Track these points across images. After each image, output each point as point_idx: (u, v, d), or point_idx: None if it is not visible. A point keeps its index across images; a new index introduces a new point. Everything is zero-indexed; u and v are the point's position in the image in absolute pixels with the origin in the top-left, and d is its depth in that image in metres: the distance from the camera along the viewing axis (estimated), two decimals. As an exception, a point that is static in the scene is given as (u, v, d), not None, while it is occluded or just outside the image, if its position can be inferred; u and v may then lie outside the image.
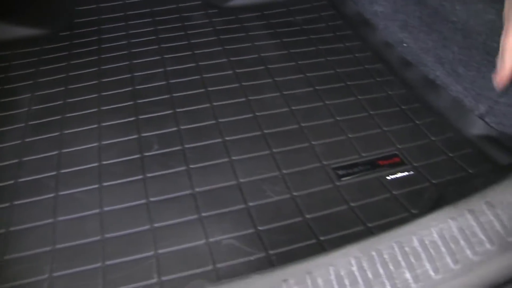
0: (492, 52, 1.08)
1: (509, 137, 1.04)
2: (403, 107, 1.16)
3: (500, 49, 0.82)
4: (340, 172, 0.97)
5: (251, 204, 0.89)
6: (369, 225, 0.86)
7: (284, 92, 1.18)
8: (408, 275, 0.51)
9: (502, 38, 0.81)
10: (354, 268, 0.52)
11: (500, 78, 0.83)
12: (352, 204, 0.90)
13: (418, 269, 0.52)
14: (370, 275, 0.52)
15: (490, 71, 1.08)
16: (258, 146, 1.02)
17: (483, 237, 0.53)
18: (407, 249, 0.51)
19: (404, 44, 1.27)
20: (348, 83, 1.22)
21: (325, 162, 0.99)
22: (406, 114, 1.14)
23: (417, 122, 1.11)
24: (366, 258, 0.53)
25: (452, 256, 0.51)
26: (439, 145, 1.05)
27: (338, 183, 0.95)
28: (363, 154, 1.02)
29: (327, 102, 1.16)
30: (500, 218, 0.55)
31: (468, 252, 0.52)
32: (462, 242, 0.52)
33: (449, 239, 0.52)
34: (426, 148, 1.04)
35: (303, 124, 1.09)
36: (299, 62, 1.29)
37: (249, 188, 0.92)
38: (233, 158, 0.99)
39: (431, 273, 0.51)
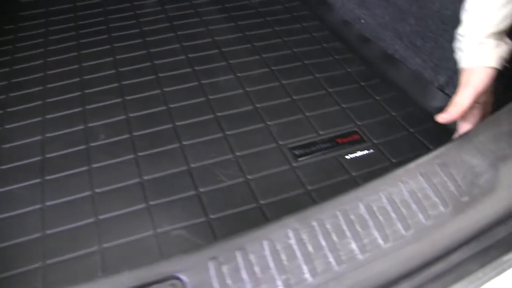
0: (447, 20, 1.05)
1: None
2: (362, 83, 1.12)
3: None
4: (297, 152, 0.93)
5: (202, 190, 0.84)
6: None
7: (239, 74, 1.13)
8: (354, 246, 0.47)
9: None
10: (292, 241, 0.47)
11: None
12: (309, 188, 0.85)
13: (365, 238, 0.47)
14: (310, 248, 0.47)
15: (447, 40, 1.05)
16: (210, 130, 0.97)
17: (436, 199, 0.49)
18: (352, 217, 0.47)
19: (362, 21, 1.24)
20: (306, 62, 1.18)
21: (281, 142, 0.95)
22: (365, 90, 1.10)
23: (376, 98, 1.08)
24: (306, 230, 0.48)
25: (403, 222, 0.47)
26: (399, 120, 1.01)
27: (295, 164, 0.90)
28: (321, 133, 0.97)
29: (283, 82, 1.11)
30: (454, 178, 0.51)
31: (421, 216, 0.48)
32: (413, 206, 0.48)
33: (400, 204, 0.48)
34: (386, 124, 1.01)
35: (258, 105, 1.04)
36: (255, 44, 1.24)
37: (200, 173, 0.87)
38: (184, 143, 0.94)
39: (380, 241, 0.47)
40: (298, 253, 0.46)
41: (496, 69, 0.76)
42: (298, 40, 1.26)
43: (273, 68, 1.16)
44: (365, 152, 0.93)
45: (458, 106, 0.77)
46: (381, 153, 0.93)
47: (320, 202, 0.51)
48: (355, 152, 0.93)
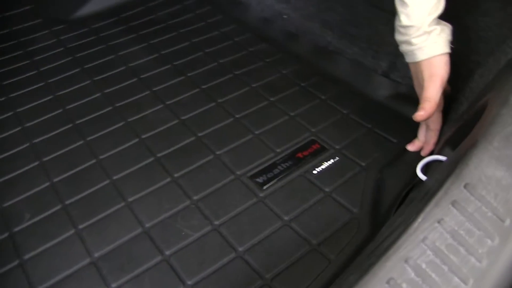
0: (378, 3, 0.99)
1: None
2: (302, 84, 1.03)
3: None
4: (260, 180, 0.82)
5: (168, 252, 0.71)
6: (314, 242, 0.72)
7: (168, 102, 1.00)
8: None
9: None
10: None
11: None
12: (286, 218, 0.75)
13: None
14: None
15: (382, 23, 0.99)
16: (155, 176, 0.83)
17: (480, 232, 0.41)
18: (404, 285, 0.37)
19: (284, 16, 1.15)
20: (236, 72, 1.07)
21: (238, 172, 0.84)
22: (308, 91, 1.01)
23: (322, 97, 1.00)
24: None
25: (459, 274, 0.38)
26: (353, 117, 0.94)
27: (261, 194, 0.80)
28: (278, 150, 0.88)
29: (219, 100, 1.00)
30: (487, 200, 0.43)
31: (473, 259, 0.39)
32: (461, 250, 0.40)
33: (447, 251, 0.39)
34: (341, 125, 0.93)
35: (199, 134, 0.92)
36: (175, 63, 1.11)
37: (160, 233, 0.74)
38: (129, 199, 0.79)
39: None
40: None
41: (449, 53, 0.73)
42: (221, 49, 1.15)
43: (203, 87, 1.04)
44: (331, 161, 0.85)
45: (432, 101, 0.72)
46: (347, 159, 0.85)
47: (360, 273, 0.41)
48: (321, 164, 0.85)
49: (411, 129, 0.89)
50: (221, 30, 1.21)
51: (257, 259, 0.70)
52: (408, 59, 0.77)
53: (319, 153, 0.87)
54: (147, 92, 1.03)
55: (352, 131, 0.91)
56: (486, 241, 0.41)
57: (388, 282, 0.37)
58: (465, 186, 0.44)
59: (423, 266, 0.38)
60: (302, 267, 0.69)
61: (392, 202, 0.76)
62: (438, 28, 0.72)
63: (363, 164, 0.84)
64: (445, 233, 0.41)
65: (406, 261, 0.38)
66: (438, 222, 0.41)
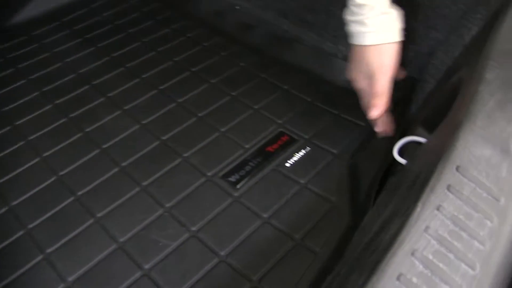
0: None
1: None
2: (262, 75, 1.01)
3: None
4: (232, 179, 0.80)
5: (147, 266, 0.67)
6: (297, 236, 0.70)
7: (125, 108, 0.95)
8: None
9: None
10: None
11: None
12: (265, 215, 0.73)
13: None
14: None
15: (339, 9, 0.98)
16: (123, 187, 0.79)
17: (478, 214, 0.40)
18: (415, 280, 0.36)
19: (237, 7, 1.12)
20: (193, 69, 1.04)
21: (209, 174, 0.81)
22: (269, 82, 0.99)
23: (284, 87, 0.98)
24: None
25: (465, 260, 0.37)
26: (318, 104, 0.93)
27: (236, 194, 0.77)
28: (247, 146, 0.85)
29: (179, 100, 0.96)
30: (480, 181, 0.42)
31: (476, 243, 0.39)
32: (464, 235, 0.39)
33: (451, 238, 0.38)
34: (308, 114, 0.91)
35: (163, 137, 0.88)
36: (128, 66, 1.06)
37: (136, 247, 0.70)
38: (98, 215, 0.75)
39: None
40: None
41: (400, 42, 0.71)
42: (175, 47, 1.10)
43: (160, 87, 0.99)
44: (302, 152, 0.84)
45: (384, 96, 0.70)
46: (318, 148, 0.84)
47: (361, 270, 0.39)
48: (293, 156, 0.83)
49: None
50: (172, 26, 1.17)
51: (241, 261, 0.68)
52: (356, 41, 0.72)
53: (289, 145, 0.85)
54: (102, 99, 0.97)
55: (319, 119, 0.90)
56: (486, 222, 0.40)
57: (398, 279, 0.35)
58: (457, 169, 0.43)
59: (430, 257, 0.37)
60: (289, 263, 0.67)
61: (369, 186, 0.75)
62: (394, 12, 0.69)
63: (334, 151, 0.83)
64: (446, 220, 0.40)
65: (412, 254, 0.37)
66: (437, 209, 0.40)
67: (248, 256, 0.68)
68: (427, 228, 0.38)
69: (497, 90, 0.48)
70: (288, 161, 0.82)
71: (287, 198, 0.76)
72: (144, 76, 1.03)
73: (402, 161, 0.65)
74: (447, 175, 0.42)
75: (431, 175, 0.42)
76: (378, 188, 0.72)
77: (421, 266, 0.36)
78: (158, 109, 0.94)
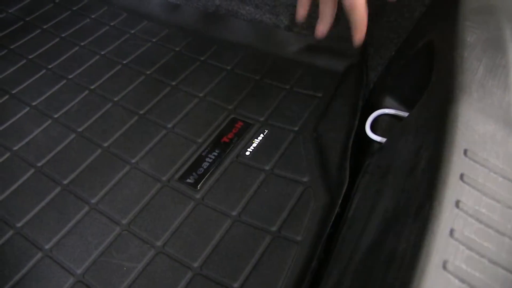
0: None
1: (325, 37, 0.90)
2: (201, 58, 0.93)
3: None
4: (191, 180, 0.73)
5: (114, 297, 0.60)
6: (273, 228, 0.65)
7: (56, 115, 0.84)
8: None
9: None
10: None
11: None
12: (234, 213, 0.67)
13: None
14: None
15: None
16: (69, 209, 0.70)
17: (500, 205, 0.36)
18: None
19: (161, -14, 1.02)
20: (124, 62, 0.94)
21: (164, 178, 0.73)
22: (210, 65, 0.91)
23: (227, 67, 0.90)
24: None
25: (501, 263, 0.33)
26: (267, 81, 0.87)
27: (198, 196, 0.70)
28: (199, 140, 0.78)
29: (115, 98, 0.87)
30: (492, 164, 0.38)
31: (507, 240, 0.35)
32: (492, 232, 0.35)
33: (479, 239, 0.34)
34: (258, 93, 0.85)
35: (105, 144, 0.79)
36: (50, 66, 0.94)
37: (98, 277, 0.62)
38: (47, 247, 0.66)
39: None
40: None
41: None
42: (99, 39, 0.99)
43: (91, 87, 0.89)
44: (261, 136, 0.78)
45: (361, 9, 0.62)
46: (277, 128, 0.78)
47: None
48: (251, 143, 0.77)
49: (331, 79, 0.84)
50: (92, 16, 1.05)
51: (219, 270, 0.62)
52: None
53: (245, 131, 0.79)
54: (26, 109, 0.86)
55: (271, 97, 0.84)
56: (509, 212, 0.36)
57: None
58: (465, 154, 0.38)
59: (464, 266, 0.32)
60: (271, 260, 0.62)
61: (340, 157, 0.71)
62: None
63: (295, 128, 0.78)
64: (469, 218, 0.35)
65: (444, 267, 0.32)
66: (457, 206, 0.35)
67: (224, 262, 0.63)
68: (452, 231, 0.34)
69: (483, 54, 0.44)
70: (248, 149, 0.76)
71: (254, 189, 0.70)
72: (70, 76, 0.92)
73: (377, 138, 0.60)
74: (457, 162, 0.38)
75: (439, 163, 0.37)
76: (354, 165, 0.68)
77: (457, 281, 0.32)
78: (93, 112, 0.84)
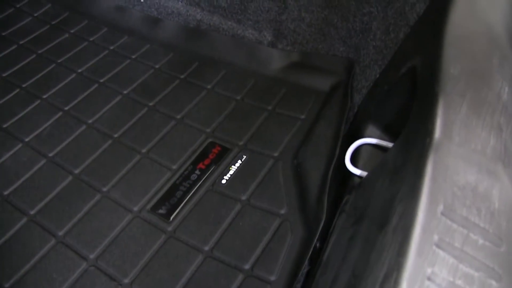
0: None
1: (311, 54, 0.86)
2: (181, 76, 0.89)
3: None
4: (163, 210, 0.69)
5: None
6: (246, 266, 0.61)
7: (26, 139, 0.80)
8: None
9: None
10: None
11: None
12: (206, 248, 0.64)
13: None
14: None
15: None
16: (35, 242, 0.66)
17: (479, 274, 0.33)
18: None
19: (141, 0, 0.98)
20: (101, 80, 0.90)
21: (136, 208, 0.69)
22: (190, 83, 0.88)
23: (207, 86, 0.87)
24: None
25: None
26: (248, 102, 0.83)
27: (169, 228, 0.67)
28: (174, 167, 0.74)
29: (89, 121, 0.83)
30: (472, 223, 0.34)
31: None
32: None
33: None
34: (238, 115, 0.81)
35: (76, 171, 0.75)
36: (24, 86, 0.90)
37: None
38: (6, 285, 0.62)
39: None
40: None
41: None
42: (77, 55, 0.96)
43: (65, 108, 0.85)
44: (239, 162, 0.74)
45: None
46: (256, 154, 0.75)
47: None
48: (228, 170, 0.73)
49: (315, 99, 0.80)
50: (71, 31, 1.01)
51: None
52: None
53: (223, 156, 0.75)
54: (-2, 133, 0.83)
55: (252, 119, 0.80)
56: (491, 283, 0.32)
57: None
58: (442, 213, 0.34)
59: None
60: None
61: (319, 189, 0.67)
62: None
63: (275, 154, 0.74)
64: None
65: None
66: (429, 279, 0.31)
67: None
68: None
69: (467, 88, 0.39)
70: (224, 177, 0.72)
71: (228, 222, 0.66)
72: (44, 96, 0.88)
73: (357, 172, 0.56)
74: (432, 224, 0.33)
75: (411, 225, 0.33)
76: (333, 198, 0.64)
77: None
78: (66, 135, 0.81)
